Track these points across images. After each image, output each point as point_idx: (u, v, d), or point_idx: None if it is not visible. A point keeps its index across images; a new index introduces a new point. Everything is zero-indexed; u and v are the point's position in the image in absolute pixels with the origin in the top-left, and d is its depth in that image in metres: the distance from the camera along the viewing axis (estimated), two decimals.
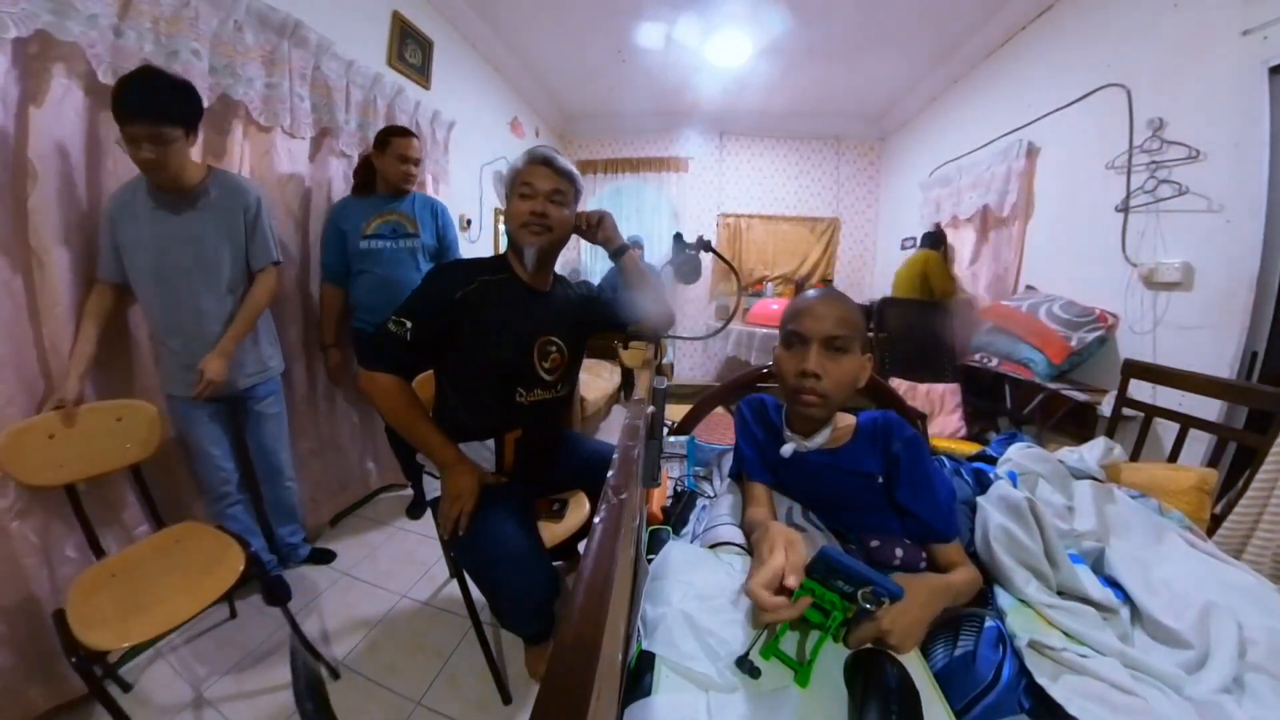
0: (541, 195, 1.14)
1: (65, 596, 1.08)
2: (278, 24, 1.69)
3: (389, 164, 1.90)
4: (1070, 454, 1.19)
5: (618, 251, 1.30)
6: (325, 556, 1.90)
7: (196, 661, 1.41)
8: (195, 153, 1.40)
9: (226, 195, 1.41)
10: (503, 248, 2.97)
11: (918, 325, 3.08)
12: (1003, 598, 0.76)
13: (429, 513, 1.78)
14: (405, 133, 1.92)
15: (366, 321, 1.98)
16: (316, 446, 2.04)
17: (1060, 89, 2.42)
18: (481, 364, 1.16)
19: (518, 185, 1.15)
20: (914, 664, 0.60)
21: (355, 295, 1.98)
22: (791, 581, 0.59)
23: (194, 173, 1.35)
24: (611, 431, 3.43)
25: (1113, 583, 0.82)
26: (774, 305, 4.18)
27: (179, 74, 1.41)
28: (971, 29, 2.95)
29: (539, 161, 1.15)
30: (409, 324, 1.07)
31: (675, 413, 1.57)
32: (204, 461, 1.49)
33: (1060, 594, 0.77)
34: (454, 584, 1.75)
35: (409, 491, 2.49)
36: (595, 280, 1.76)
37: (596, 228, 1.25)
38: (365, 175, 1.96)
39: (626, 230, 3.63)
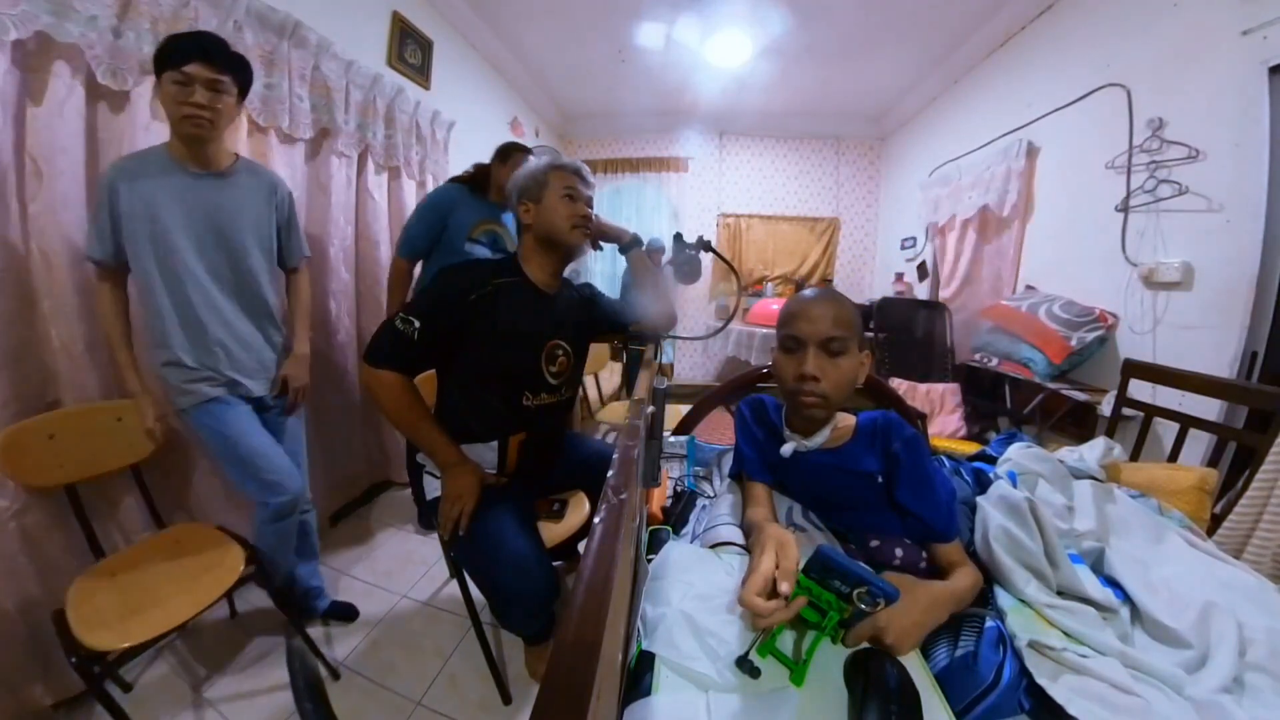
0: (583, 200, 1.20)
1: (65, 596, 1.07)
2: (277, 24, 1.69)
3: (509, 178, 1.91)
4: (1070, 454, 1.19)
5: (627, 246, 1.35)
6: (347, 613, 1.61)
7: (196, 661, 1.41)
8: None
9: (258, 182, 1.33)
10: None
11: (917, 325, 3.09)
12: (1003, 598, 0.76)
13: (432, 513, 1.78)
14: (528, 151, 1.92)
15: None
16: (314, 445, 2.03)
17: (1060, 89, 2.42)
18: (490, 368, 1.16)
19: (559, 188, 1.18)
20: (914, 664, 0.60)
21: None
22: (784, 588, 0.58)
23: (225, 156, 1.28)
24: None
25: (1113, 582, 0.82)
26: (774, 305, 4.17)
27: None
28: (971, 29, 2.95)
29: (577, 171, 1.22)
30: (417, 323, 1.06)
31: (675, 413, 1.57)
32: (263, 461, 1.27)
33: (1060, 594, 0.77)
34: (454, 584, 1.75)
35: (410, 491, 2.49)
36: (594, 281, 1.77)
37: (597, 234, 1.31)
38: (479, 178, 1.95)
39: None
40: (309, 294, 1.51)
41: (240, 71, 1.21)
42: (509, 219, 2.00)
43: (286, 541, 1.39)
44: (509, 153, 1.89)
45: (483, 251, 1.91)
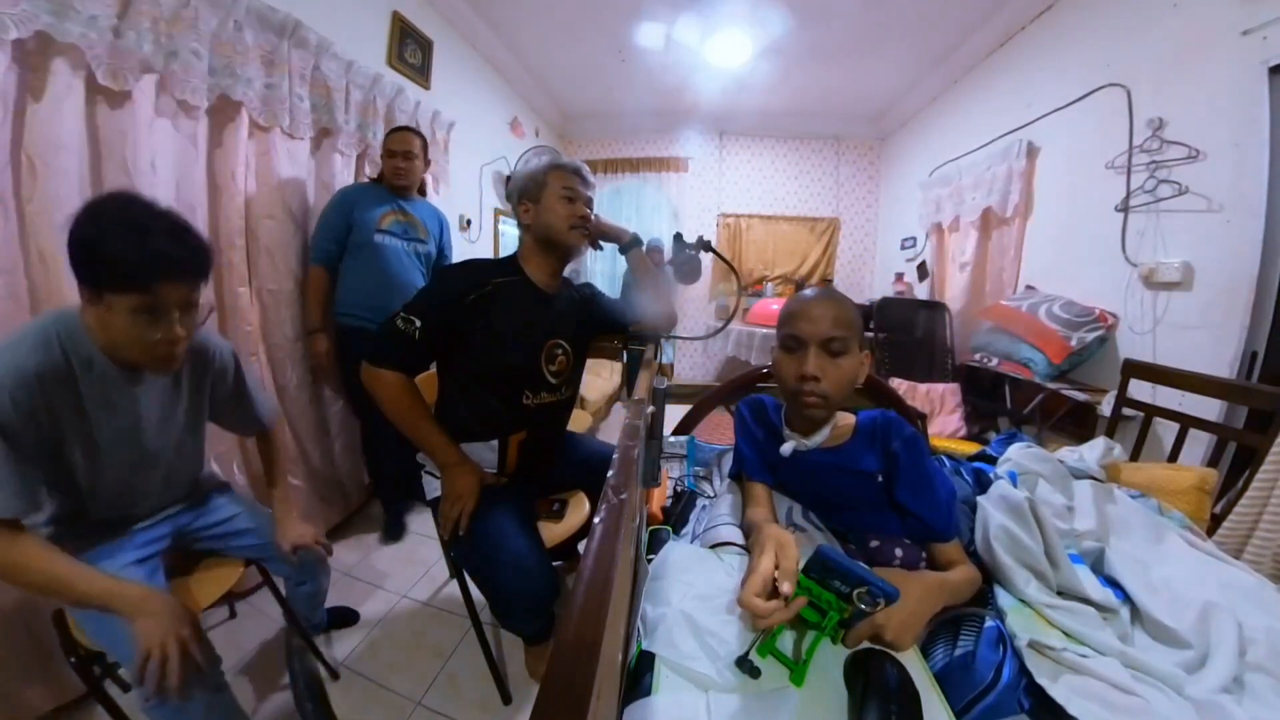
0: (582, 200, 1.19)
1: None
2: (277, 24, 1.69)
3: (383, 161, 1.94)
4: (1070, 454, 1.19)
5: (628, 245, 1.35)
6: (347, 618, 1.60)
7: None
8: None
9: (198, 369, 1.03)
10: (502, 248, 2.98)
11: (917, 325, 3.09)
12: (1003, 598, 0.76)
13: (430, 513, 1.77)
14: (400, 129, 1.94)
15: (358, 318, 1.87)
16: (315, 446, 2.04)
17: (1060, 89, 2.42)
18: (490, 367, 1.16)
19: (558, 189, 1.17)
20: (914, 664, 0.60)
21: (348, 289, 1.89)
22: (786, 588, 0.59)
23: None
24: (611, 432, 3.43)
25: (1113, 582, 0.82)
26: (774, 305, 4.17)
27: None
28: (971, 29, 2.95)
29: (576, 171, 1.21)
30: (418, 323, 1.07)
31: (675, 412, 1.57)
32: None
33: (1060, 594, 0.77)
34: (454, 584, 1.75)
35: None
36: (594, 281, 1.76)
37: (597, 234, 1.29)
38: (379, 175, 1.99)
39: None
40: (283, 456, 1.26)
41: (207, 265, 0.87)
42: (417, 207, 2.01)
43: None
44: (386, 137, 1.94)
45: (394, 242, 1.92)
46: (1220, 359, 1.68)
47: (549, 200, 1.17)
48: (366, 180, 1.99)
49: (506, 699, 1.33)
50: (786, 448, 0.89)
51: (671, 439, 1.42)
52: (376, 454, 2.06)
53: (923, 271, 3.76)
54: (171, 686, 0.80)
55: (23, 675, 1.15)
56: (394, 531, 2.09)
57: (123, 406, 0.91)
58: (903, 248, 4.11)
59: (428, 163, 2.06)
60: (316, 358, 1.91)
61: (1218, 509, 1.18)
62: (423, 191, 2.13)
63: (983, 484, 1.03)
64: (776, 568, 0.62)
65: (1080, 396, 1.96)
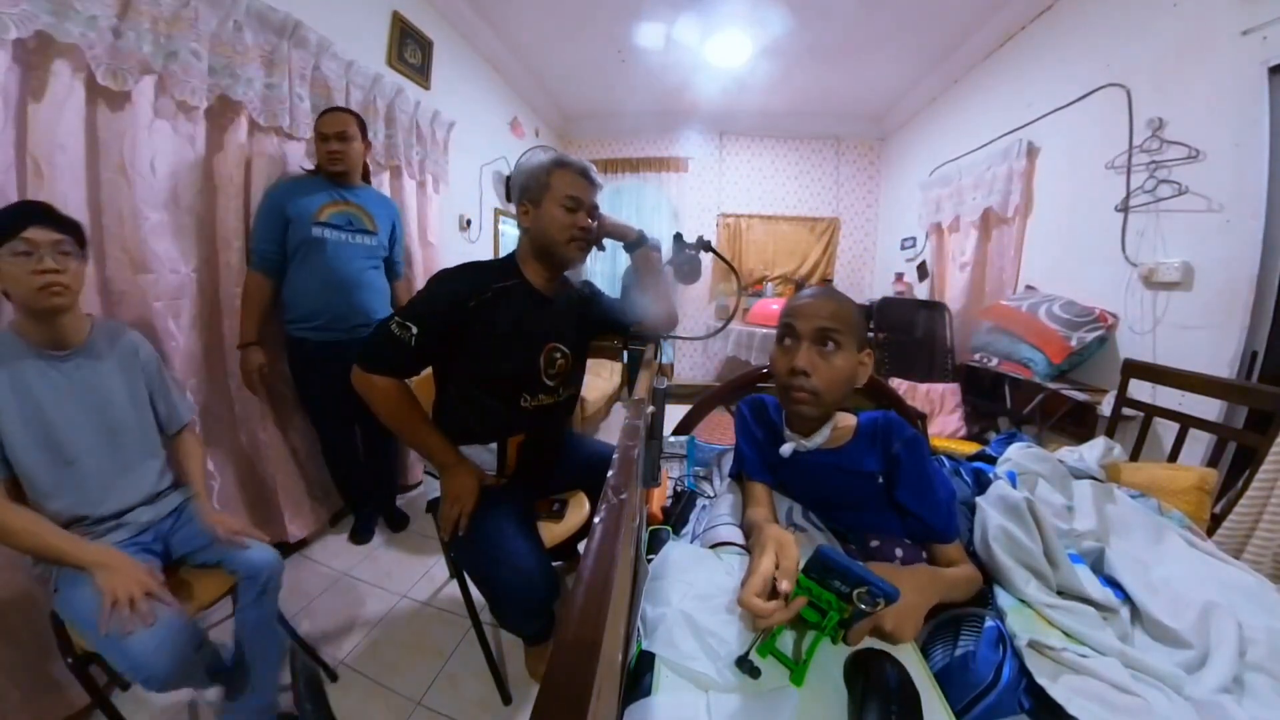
0: (585, 209, 1.14)
1: None
2: (277, 24, 1.69)
3: (316, 147, 1.74)
4: (1070, 454, 1.19)
5: (634, 244, 1.32)
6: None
7: None
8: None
9: (119, 350, 1.15)
10: (502, 249, 2.95)
11: (917, 325, 3.09)
12: (1003, 598, 0.76)
13: (431, 515, 1.77)
14: (332, 109, 1.76)
15: (301, 327, 1.73)
16: (313, 445, 2.03)
17: (1060, 89, 2.42)
18: (489, 371, 1.15)
19: (560, 194, 1.12)
20: (914, 664, 0.60)
21: (292, 294, 1.72)
22: (785, 586, 0.59)
23: (82, 323, 1.09)
24: (611, 432, 3.43)
25: (1113, 582, 0.82)
26: (774, 305, 4.18)
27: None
28: (971, 29, 2.95)
29: (583, 174, 1.15)
30: (415, 330, 1.04)
31: (675, 412, 1.57)
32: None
33: (1060, 594, 0.77)
34: (454, 584, 1.75)
35: (413, 491, 2.48)
36: (594, 281, 1.73)
37: (601, 233, 1.27)
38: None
39: None
40: (202, 457, 1.29)
41: (77, 231, 1.04)
42: (360, 195, 1.82)
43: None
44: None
45: (336, 236, 1.73)
46: (1220, 359, 1.68)
47: (549, 206, 1.13)
48: (301, 171, 1.80)
49: (506, 699, 1.33)
50: (786, 448, 0.89)
51: (671, 439, 1.42)
52: (335, 461, 1.99)
53: (923, 271, 3.76)
54: (143, 616, 0.92)
55: (24, 677, 1.15)
56: (361, 534, 2.05)
57: (50, 379, 1.03)
58: (903, 248, 4.11)
59: (368, 145, 1.85)
60: (247, 375, 1.67)
61: (1218, 509, 1.17)
62: (366, 178, 1.92)
63: (982, 484, 1.03)
64: (776, 567, 0.62)
65: (1080, 396, 1.96)
